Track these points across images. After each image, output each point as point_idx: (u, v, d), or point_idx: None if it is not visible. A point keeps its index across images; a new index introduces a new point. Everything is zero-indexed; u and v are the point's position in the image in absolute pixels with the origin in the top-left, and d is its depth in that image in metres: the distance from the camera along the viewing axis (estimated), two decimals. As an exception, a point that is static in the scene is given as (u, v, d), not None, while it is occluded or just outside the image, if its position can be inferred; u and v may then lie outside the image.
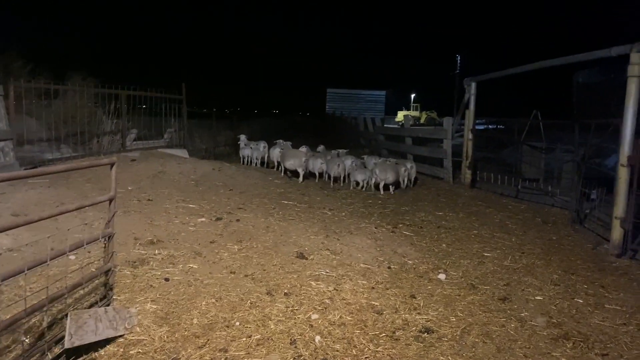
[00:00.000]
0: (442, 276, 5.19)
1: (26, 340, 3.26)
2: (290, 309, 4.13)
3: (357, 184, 11.00)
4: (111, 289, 3.85)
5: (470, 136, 12.17)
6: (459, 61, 59.96)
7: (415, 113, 58.32)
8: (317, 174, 11.46)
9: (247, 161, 14.00)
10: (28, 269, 2.75)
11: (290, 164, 11.28)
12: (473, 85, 12.27)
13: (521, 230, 7.48)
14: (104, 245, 3.65)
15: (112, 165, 3.54)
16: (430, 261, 5.71)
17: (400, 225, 7.49)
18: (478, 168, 12.34)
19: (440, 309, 4.30)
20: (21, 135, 9.34)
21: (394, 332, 3.81)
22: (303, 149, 12.62)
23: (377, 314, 4.14)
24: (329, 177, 11.29)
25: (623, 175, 6.35)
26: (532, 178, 11.20)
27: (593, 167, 8.10)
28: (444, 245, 6.47)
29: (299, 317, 3.98)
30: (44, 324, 3.32)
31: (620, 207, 6.36)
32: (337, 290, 4.60)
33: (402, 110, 59.13)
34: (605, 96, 7.36)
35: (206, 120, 18.97)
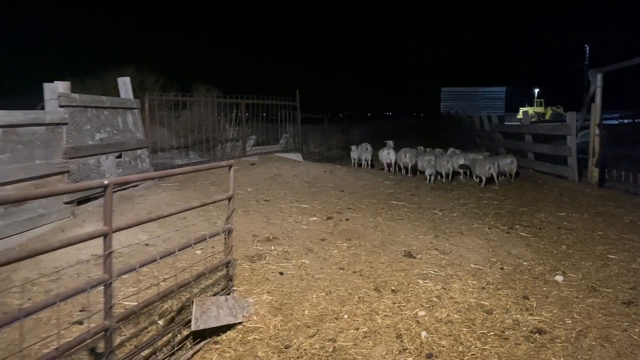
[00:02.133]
0: (559, 278, 4.94)
1: (159, 323, 3.70)
2: (397, 305, 4.21)
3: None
4: (231, 280, 4.21)
5: (597, 131, 11.28)
6: (587, 52, 55.46)
7: (540, 109, 54.74)
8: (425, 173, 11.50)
9: (358, 163, 14.29)
10: (160, 258, 3.14)
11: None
12: (599, 76, 11.37)
13: (656, 232, 6.83)
14: (224, 239, 4.02)
15: (230, 167, 3.89)
16: (548, 263, 5.46)
17: (517, 226, 7.20)
18: (608, 166, 11.41)
19: (554, 311, 4.12)
20: (155, 144, 10.40)
21: (503, 332, 3.74)
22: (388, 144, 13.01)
23: (486, 313, 4.08)
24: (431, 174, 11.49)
25: None
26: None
27: None
28: (563, 246, 6.12)
29: (405, 313, 4.05)
30: (174, 309, 3.74)
31: None
32: (445, 289, 4.59)
33: (524, 106, 55.86)
34: None
35: (319, 125, 19.57)
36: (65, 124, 5.98)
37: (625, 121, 14.79)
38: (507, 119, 33.92)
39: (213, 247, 4.79)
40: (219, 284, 4.30)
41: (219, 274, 4.30)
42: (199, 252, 4.96)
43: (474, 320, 3.93)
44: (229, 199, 3.89)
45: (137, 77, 13.87)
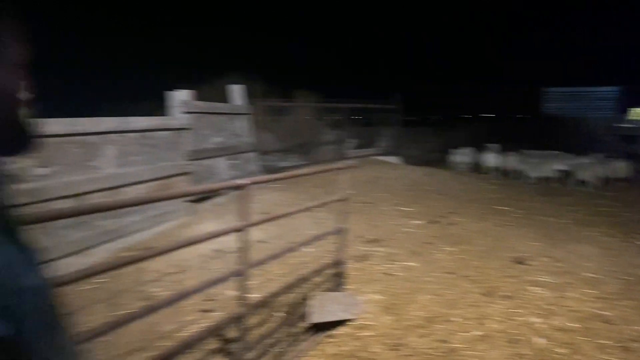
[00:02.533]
0: (689, 291, 4.59)
1: (277, 315, 3.95)
2: (510, 310, 4.15)
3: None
4: (343, 279, 4.38)
5: None
6: None
7: (656, 110, 50.06)
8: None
9: (460, 166, 14.05)
10: (276, 257, 3.38)
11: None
12: None
13: None
14: (337, 239, 4.20)
15: (348, 168, 4.07)
16: (675, 275, 5.08)
17: (637, 235, 6.75)
18: None
19: (686, 326, 3.86)
20: (260, 147, 10.94)
21: (626, 343, 3.57)
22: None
23: (606, 323, 3.91)
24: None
25: None
26: None
27: None
28: (693, 258, 5.66)
29: (518, 319, 3.98)
30: (291, 302, 3.98)
31: None
32: (560, 297, 4.45)
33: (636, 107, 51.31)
34: None
35: (416, 128, 19.41)
36: (188, 128, 6.51)
37: None
38: (621, 122, 31.38)
39: (321, 247, 4.99)
40: (329, 282, 4.49)
41: (329, 271, 4.49)
42: (312, 250, 5.20)
43: (593, 330, 3.78)
44: (343, 200, 4.07)
45: (247, 85, 14.65)
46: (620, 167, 11.30)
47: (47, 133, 4.57)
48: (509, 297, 4.43)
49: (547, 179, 11.55)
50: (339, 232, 4.16)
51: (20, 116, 0.74)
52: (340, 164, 4.15)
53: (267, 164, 10.88)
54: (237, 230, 2.74)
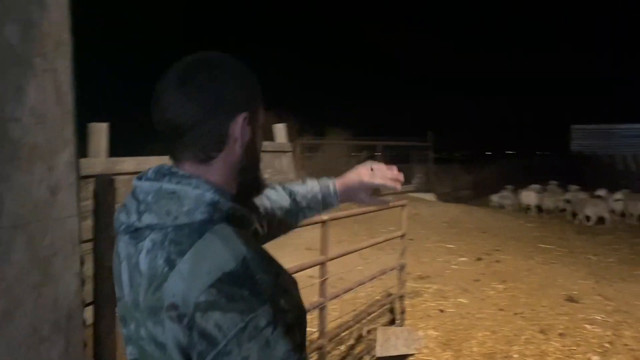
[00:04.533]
0: None
1: (342, 349, 4.07)
2: (567, 348, 4.19)
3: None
4: (402, 313, 4.49)
5: None
6: None
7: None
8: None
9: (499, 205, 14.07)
10: (350, 290, 3.53)
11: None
12: None
13: None
14: (398, 274, 4.34)
15: (403, 206, 4.24)
16: None
17: (683, 274, 6.70)
18: None
19: None
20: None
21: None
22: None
23: (667, 363, 3.92)
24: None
25: None
26: None
27: None
28: None
29: (578, 357, 4.03)
30: (354, 337, 4.10)
31: None
32: (616, 335, 4.47)
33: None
34: None
35: (447, 164, 19.52)
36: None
37: None
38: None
39: (375, 282, 5.12)
40: (385, 317, 4.60)
41: (386, 306, 4.60)
42: (368, 285, 5.33)
43: (656, 369, 3.80)
44: (402, 236, 4.22)
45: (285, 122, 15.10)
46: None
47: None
48: (565, 334, 4.46)
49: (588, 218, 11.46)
50: (400, 268, 4.30)
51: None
52: (393, 201, 4.33)
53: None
54: (321, 263, 2.91)
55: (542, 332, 4.52)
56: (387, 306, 4.60)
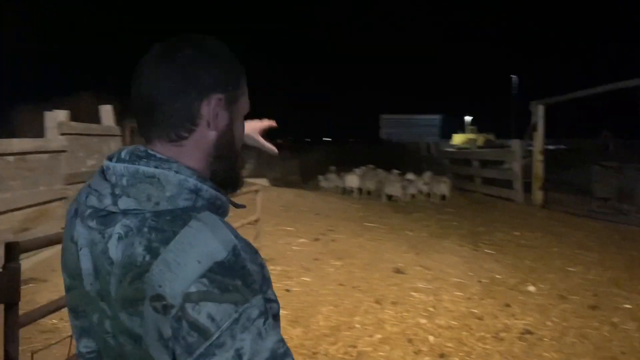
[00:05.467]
0: (531, 288, 5.62)
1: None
2: (400, 314, 4.72)
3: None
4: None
5: (540, 158, 12.44)
6: (516, 82, 59.36)
7: (472, 136, 57.74)
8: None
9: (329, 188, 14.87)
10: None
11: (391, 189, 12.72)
12: (541, 108, 12.57)
13: (600, 247, 7.73)
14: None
15: (256, 191, 4.31)
16: (518, 276, 6.15)
17: (481, 244, 7.92)
18: (548, 189, 12.56)
19: (536, 316, 4.76)
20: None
21: (497, 334, 4.32)
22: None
23: (478, 319, 4.66)
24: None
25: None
26: (604, 197, 11.34)
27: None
28: (527, 261, 6.87)
29: (409, 322, 4.56)
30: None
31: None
32: (437, 300, 5.15)
33: (456, 133, 58.66)
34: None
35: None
36: (65, 151, 6.15)
37: (551, 147, 16.25)
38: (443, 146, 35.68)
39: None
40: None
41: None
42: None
43: (470, 325, 4.49)
44: (256, 220, 4.29)
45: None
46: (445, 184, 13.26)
47: None
48: (396, 302, 5.00)
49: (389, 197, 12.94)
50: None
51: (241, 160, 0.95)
52: (254, 188, 4.38)
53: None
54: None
55: (377, 302, 5.00)
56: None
